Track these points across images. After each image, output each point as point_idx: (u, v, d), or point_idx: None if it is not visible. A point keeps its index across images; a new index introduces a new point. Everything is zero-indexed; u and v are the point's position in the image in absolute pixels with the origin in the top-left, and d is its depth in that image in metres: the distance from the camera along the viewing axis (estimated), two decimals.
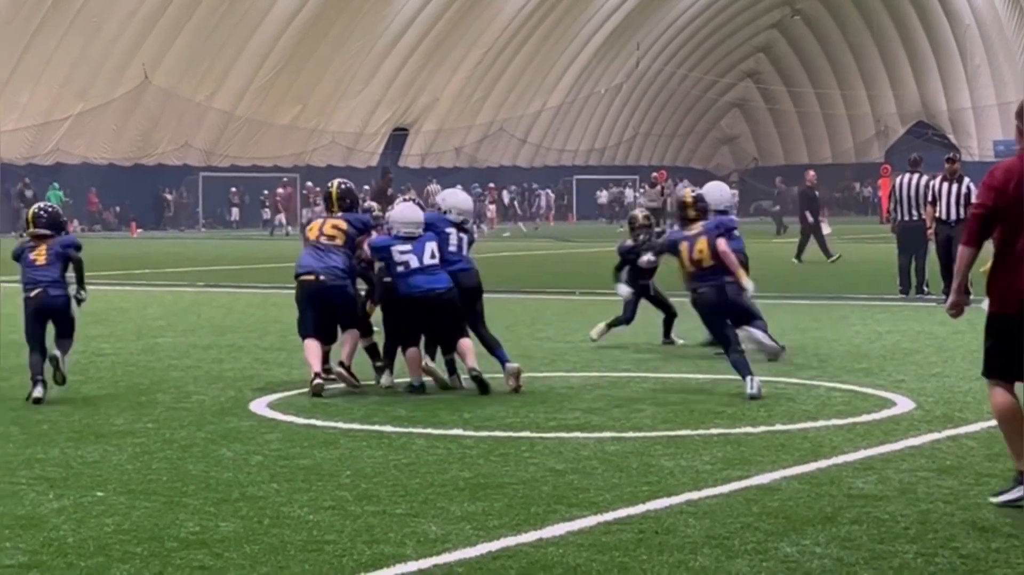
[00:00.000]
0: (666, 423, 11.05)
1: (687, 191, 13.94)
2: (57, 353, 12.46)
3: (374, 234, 13.42)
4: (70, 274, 12.74)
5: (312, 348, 12.82)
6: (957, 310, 8.25)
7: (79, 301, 12.71)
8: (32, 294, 12.59)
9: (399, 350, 13.15)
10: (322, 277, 12.98)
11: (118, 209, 63.24)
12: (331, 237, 13.14)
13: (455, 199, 13.64)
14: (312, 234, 13.27)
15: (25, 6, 54.65)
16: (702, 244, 12.84)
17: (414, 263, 12.80)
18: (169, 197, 65.21)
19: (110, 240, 51.86)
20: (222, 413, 11.67)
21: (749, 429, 10.67)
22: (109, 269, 28.89)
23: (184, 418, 11.43)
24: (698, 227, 13.06)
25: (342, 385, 12.95)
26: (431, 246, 12.91)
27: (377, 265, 13.35)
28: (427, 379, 12.97)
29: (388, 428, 10.86)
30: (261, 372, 14.35)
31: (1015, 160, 8.00)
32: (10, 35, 55.07)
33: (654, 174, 52.82)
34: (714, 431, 10.61)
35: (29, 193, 56.58)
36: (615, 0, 78.56)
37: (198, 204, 66.05)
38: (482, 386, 12.65)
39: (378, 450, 9.93)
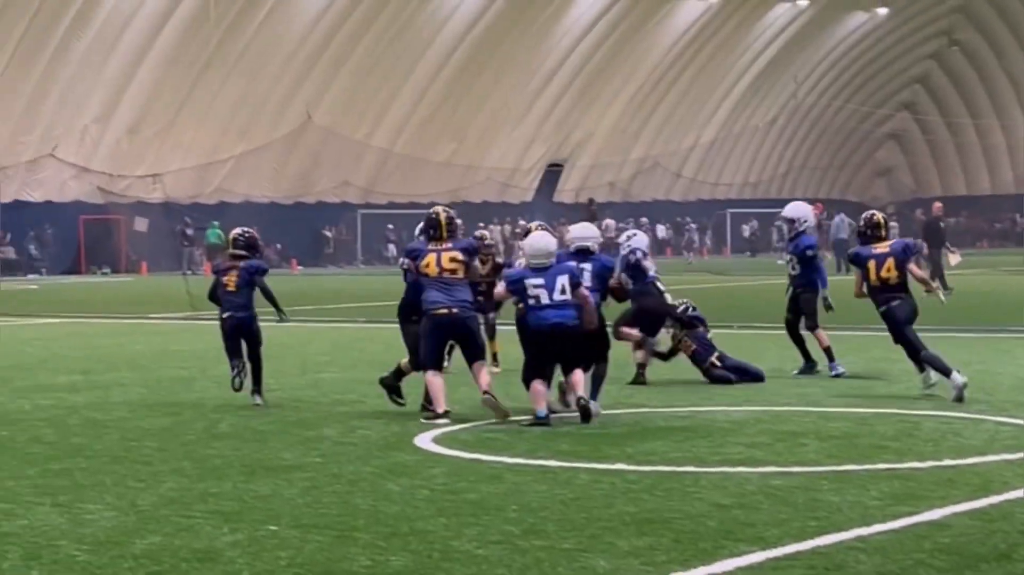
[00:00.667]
0: (831, 457, 10.97)
1: (879, 214, 15.29)
2: (256, 390, 14.74)
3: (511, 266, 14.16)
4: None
5: (439, 385, 13.34)
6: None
7: (281, 320, 15.26)
8: (224, 316, 14.83)
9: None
10: (455, 310, 13.36)
11: (279, 246, 64.24)
12: (452, 271, 13.44)
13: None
14: (431, 270, 13.46)
15: (191, 48, 55.85)
16: (891, 263, 14.52)
17: (544, 298, 13.08)
18: (329, 234, 66.07)
19: (272, 277, 52.45)
20: (388, 448, 11.81)
21: (917, 464, 10.57)
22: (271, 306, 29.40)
23: (351, 453, 11.58)
24: (885, 247, 14.70)
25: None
26: (562, 280, 13.14)
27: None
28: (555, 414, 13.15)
29: (552, 462, 10.91)
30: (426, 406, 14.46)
31: None
32: (176, 77, 56.32)
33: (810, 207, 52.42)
34: (880, 466, 10.51)
35: (191, 232, 57.77)
36: (771, 33, 78.27)
37: (357, 241, 66.85)
38: (585, 415, 12.93)
39: (543, 484, 9.99)
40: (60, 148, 55.15)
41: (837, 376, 16.38)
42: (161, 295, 27.25)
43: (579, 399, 13.05)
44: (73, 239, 56.68)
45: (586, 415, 12.95)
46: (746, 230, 79.57)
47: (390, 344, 22.34)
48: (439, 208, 13.98)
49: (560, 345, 13.10)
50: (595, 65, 71.55)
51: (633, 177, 78.93)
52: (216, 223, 58.32)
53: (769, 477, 10.15)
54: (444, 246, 13.55)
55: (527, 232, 14.21)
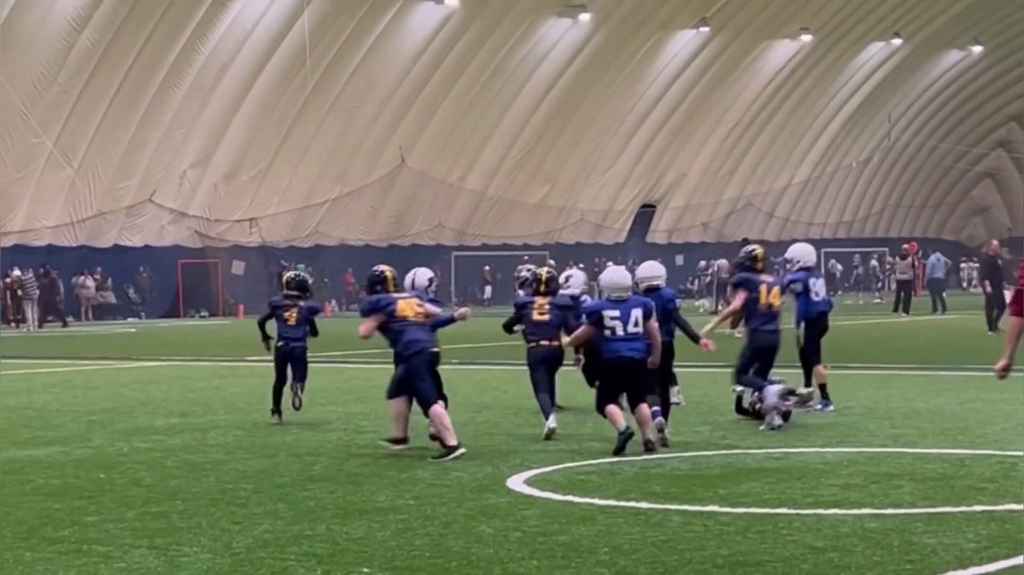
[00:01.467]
0: (926, 499, 10.89)
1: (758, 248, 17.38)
2: (298, 385, 17.57)
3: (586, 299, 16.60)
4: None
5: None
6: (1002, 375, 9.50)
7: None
8: (279, 344, 17.69)
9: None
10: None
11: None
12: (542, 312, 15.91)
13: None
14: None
15: (287, 94, 56.47)
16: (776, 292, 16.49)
17: (619, 330, 13.99)
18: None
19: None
20: (480, 489, 11.85)
21: (1013, 506, 10.46)
22: (367, 347, 29.48)
23: (444, 494, 11.64)
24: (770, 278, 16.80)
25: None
26: (636, 313, 14.06)
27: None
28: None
29: (644, 504, 10.90)
30: (517, 448, 14.51)
31: None
32: (272, 122, 56.97)
33: (904, 246, 52.09)
34: (977, 508, 10.42)
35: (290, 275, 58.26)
36: (864, 72, 77.95)
37: (451, 283, 67.11)
38: (649, 449, 13.81)
39: (635, 527, 9.99)
40: (159, 193, 55.89)
41: (821, 411, 17.18)
42: (257, 337, 27.46)
43: (645, 441, 13.87)
44: (171, 283, 57.38)
45: (654, 447, 13.88)
46: (834, 268, 79.07)
47: (484, 385, 22.47)
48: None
49: (630, 377, 14.00)
50: (688, 105, 71.60)
51: (726, 217, 78.75)
52: (301, 266, 58.87)
53: (864, 519, 10.09)
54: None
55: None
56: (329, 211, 61.70)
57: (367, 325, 14.74)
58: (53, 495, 11.98)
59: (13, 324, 49.61)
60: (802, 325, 17.89)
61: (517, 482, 12.17)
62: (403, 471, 13.02)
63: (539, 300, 16.01)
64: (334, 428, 16.73)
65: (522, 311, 16.17)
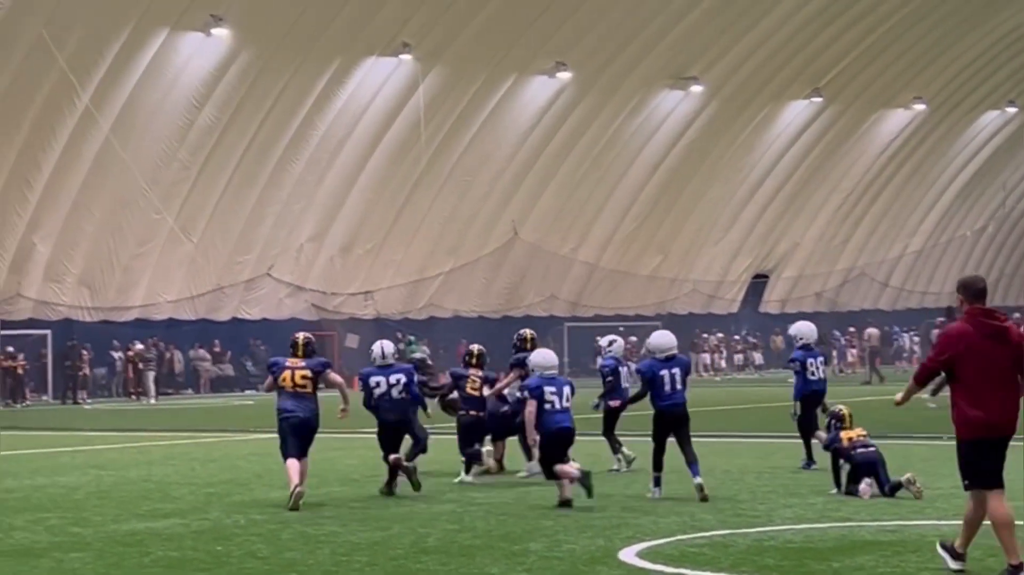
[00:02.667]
0: None
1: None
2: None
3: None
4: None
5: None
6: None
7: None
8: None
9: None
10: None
11: (488, 360, 64.78)
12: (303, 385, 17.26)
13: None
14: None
15: (401, 168, 57.10)
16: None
17: (558, 404, 16.13)
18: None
19: None
20: (592, 562, 11.90)
21: None
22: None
23: (556, 567, 11.69)
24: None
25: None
26: (567, 390, 16.36)
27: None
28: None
29: None
30: (628, 520, 14.55)
31: (961, 324, 10.79)
32: (388, 196, 57.57)
33: (1017, 314, 51.58)
34: None
35: (402, 347, 58.71)
36: (979, 141, 77.34)
37: (564, 354, 67.17)
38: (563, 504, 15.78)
39: None
40: (276, 267, 56.63)
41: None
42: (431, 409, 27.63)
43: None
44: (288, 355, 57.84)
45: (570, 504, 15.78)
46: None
47: (597, 456, 22.48)
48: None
49: (566, 445, 16.24)
50: (801, 175, 71.40)
51: (840, 287, 78.22)
52: (412, 337, 59.28)
53: None
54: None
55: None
56: (443, 283, 62.12)
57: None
58: (172, 567, 12.16)
59: (134, 397, 50.38)
60: (798, 401, 19.54)
61: (629, 555, 12.20)
62: (516, 543, 13.10)
63: (472, 373, 19.02)
64: (447, 500, 16.84)
65: (457, 382, 19.38)
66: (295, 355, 17.39)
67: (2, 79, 45.07)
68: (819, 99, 67.77)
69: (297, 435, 16.73)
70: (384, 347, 18.36)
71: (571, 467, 16.01)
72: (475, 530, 14.12)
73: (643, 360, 18.18)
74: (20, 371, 49.12)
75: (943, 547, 11.08)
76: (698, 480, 16.16)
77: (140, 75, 47.94)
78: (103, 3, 45.36)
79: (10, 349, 49.10)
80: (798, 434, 19.66)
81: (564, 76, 58.64)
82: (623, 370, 20.30)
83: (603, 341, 20.40)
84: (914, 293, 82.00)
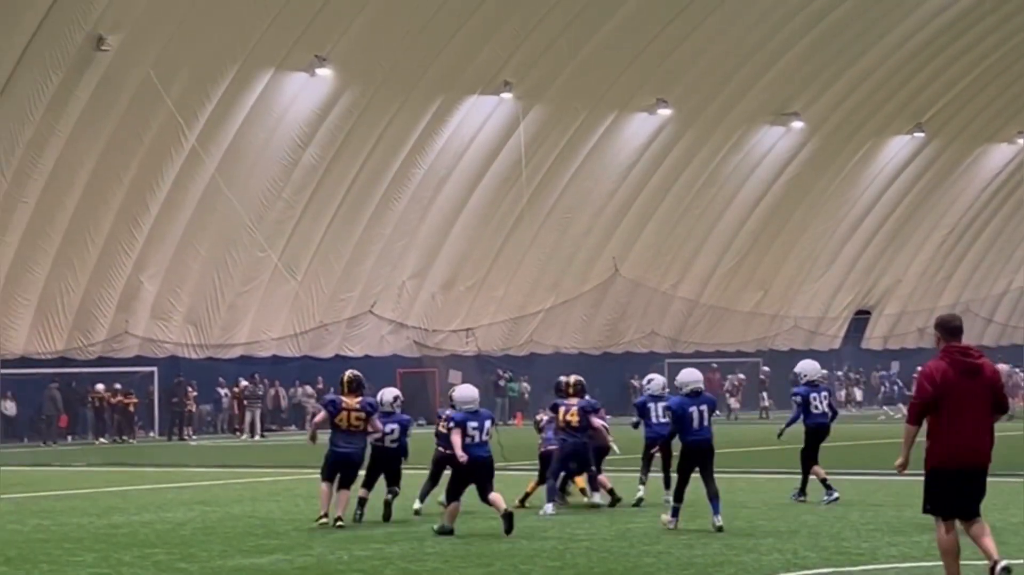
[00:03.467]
0: None
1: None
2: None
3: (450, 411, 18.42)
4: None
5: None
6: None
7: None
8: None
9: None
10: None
11: (587, 396, 64.77)
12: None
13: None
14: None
15: (502, 205, 57.37)
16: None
17: (477, 437, 17.57)
18: (636, 383, 66.44)
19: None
20: None
21: None
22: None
23: None
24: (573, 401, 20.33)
25: None
26: (487, 423, 17.81)
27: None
28: None
29: None
30: (731, 558, 14.55)
31: (938, 362, 11.24)
32: (489, 233, 57.84)
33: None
34: None
35: (502, 383, 58.92)
36: None
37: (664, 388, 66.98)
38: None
39: None
40: (378, 304, 57.05)
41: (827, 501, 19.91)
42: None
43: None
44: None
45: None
46: None
47: (697, 492, 22.44)
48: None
49: (487, 472, 17.56)
50: (903, 211, 70.91)
51: None
52: (510, 373, 59.49)
53: None
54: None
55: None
56: (543, 320, 62.25)
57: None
58: None
59: (238, 433, 50.90)
60: (789, 428, 21.37)
61: None
62: None
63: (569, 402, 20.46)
64: (549, 536, 16.91)
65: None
66: (346, 393, 19.18)
67: (111, 120, 45.86)
68: (921, 134, 67.32)
69: (345, 470, 18.61)
70: (383, 395, 20.07)
71: (497, 498, 17.54)
72: (577, 567, 14.17)
73: (672, 397, 18.99)
74: (131, 408, 49.88)
75: None
76: (718, 522, 17.03)
77: (245, 115, 48.61)
78: (209, 44, 46.06)
79: (118, 386, 49.84)
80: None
81: (664, 113, 58.71)
82: (652, 406, 21.40)
83: (645, 379, 21.65)
84: (1019, 329, 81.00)
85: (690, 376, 18.29)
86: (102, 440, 48.44)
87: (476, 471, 17.56)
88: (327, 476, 18.84)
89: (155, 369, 51.39)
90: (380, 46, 49.57)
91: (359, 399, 19.15)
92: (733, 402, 61.49)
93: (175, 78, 45.80)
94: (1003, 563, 11.32)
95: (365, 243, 54.71)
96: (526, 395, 60.13)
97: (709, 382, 65.31)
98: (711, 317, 67.84)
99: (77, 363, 50.02)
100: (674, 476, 18.34)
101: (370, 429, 19.05)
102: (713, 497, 17.34)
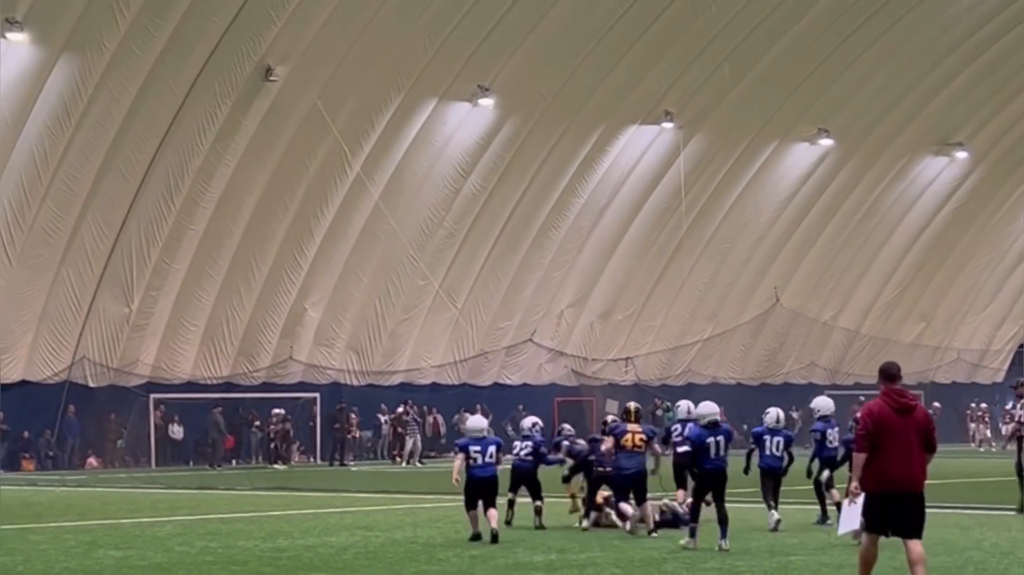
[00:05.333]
0: None
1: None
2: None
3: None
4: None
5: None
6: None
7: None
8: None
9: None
10: None
11: (745, 427, 64.41)
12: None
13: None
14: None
15: (662, 235, 57.28)
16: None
17: (480, 460, 20.42)
18: (795, 415, 65.93)
19: (738, 457, 52.86)
20: None
21: None
22: (740, 486, 29.67)
23: None
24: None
25: None
26: (491, 448, 20.63)
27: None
28: None
29: None
30: None
31: (877, 402, 13.46)
32: (647, 262, 57.82)
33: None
34: None
35: (659, 413, 58.85)
36: None
37: None
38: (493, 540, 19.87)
39: None
40: (537, 333, 57.29)
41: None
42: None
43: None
44: (547, 420, 58.32)
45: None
46: None
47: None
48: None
49: (486, 490, 20.30)
50: None
51: None
52: (669, 404, 59.29)
53: None
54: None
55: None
56: (701, 350, 62.04)
57: None
58: None
59: (398, 459, 51.31)
60: (816, 462, 22.95)
61: None
62: None
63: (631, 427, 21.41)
64: (709, 568, 16.85)
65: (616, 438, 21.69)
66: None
67: (278, 148, 46.72)
68: None
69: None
70: (523, 422, 23.16)
71: (493, 513, 20.24)
72: None
73: (692, 429, 20.52)
74: (290, 433, 50.61)
75: None
76: (725, 546, 18.49)
77: (409, 144, 49.23)
78: (374, 75, 46.74)
79: (279, 411, 50.56)
80: None
81: (826, 143, 58.32)
82: (767, 438, 22.59)
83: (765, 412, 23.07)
84: None
85: (707, 409, 19.90)
86: (278, 466, 48.99)
87: (481, 487, 20.33)
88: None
89: (318, 395, 52.10)
90: (542, 76, 49.90)
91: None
92: None
93: (341, 108, 46.53)
94: None
95: (524, 271, 55.02)
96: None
97: None
98: (871, 348, 67.02)
99: (242, 388, 50.88)
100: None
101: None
102: (722, 521, 18.75)
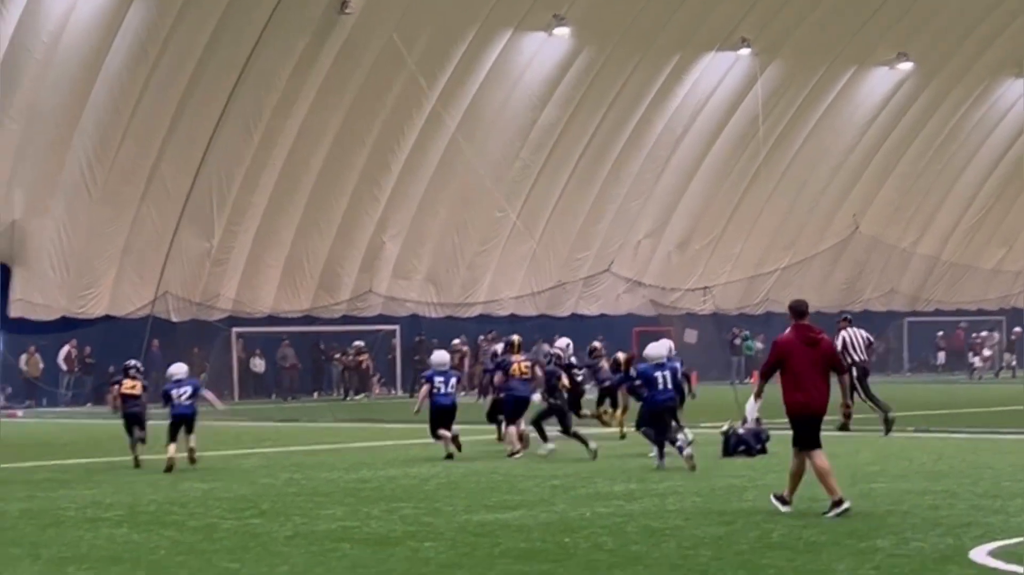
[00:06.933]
0: None
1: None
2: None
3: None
4: None
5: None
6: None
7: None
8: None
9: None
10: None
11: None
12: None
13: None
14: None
15: (739, 163, 57.04)
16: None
17: (443, 389, 23.35)
18: (875, 343, 65.50)
19: None
20: (943, 561, 11.80)
21: None
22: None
23: (904, 566, 11.62)
24: None
25: None
26: (453, 380, 23.62)
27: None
28: None
29: None
30: (978, 519, 14.35)
31: (788, 335, 15.20)
32: (725, 191, 57.60)
33: None
34: None
35: (738, 342, 58.66)
36: None
37: (903, 349, 66.02)
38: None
39: None
40: (615, 263, 57.21)
41: None
42: (712, 405, 27.72)
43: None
44: (626, 350, 58.23)
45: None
46: None
47: (940, 453, 22.18)
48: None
49: (448, 416, 23.46)
50: None
51: None
52: (747, 333, 59.07)
53: None
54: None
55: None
56: (780, 278, 61.73)
57: None
58: (521, 558, 12.49)
59: (475, 391, 51.41)
60: None
61: (980, 554, 12.06)
62: (862, 540, 13.06)
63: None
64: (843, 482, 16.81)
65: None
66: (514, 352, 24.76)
67: (354, 83, 46.77)
68: None
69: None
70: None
71: (447, 433, 23.13)
72: (820, 526, 14.13)
73: (641, 365, 22.13)
74: (365, 367, 50.87)
75: (775, 497, 15.37)
76: (687, 447, 20.52)
77: (485, 75, 49.12)
78: (450, 6, 46.65)
79: (359, 343, 50.80)
80: None
81: (905, 67, 57.69)
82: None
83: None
84: None
85: (655, 351, 21.65)
86: (358, 398, 49.29)
87: (443, 414, 23.24)
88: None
89: (397, 327, 52.35)
90: (617, 4, 49.65)
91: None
92: (977, 361, 60.15)
93: (416, 40, 46.48)
94: (846, 504, 14.74)
95: (601, 202, 54.90)
96: (761, 354, 59.73)
97: (955, 340, 64.54)
98: (952, 274, 66.50)
99: (322, 321, 51.21)
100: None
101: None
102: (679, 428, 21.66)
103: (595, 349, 28.78)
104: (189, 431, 22.15)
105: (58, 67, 42.49)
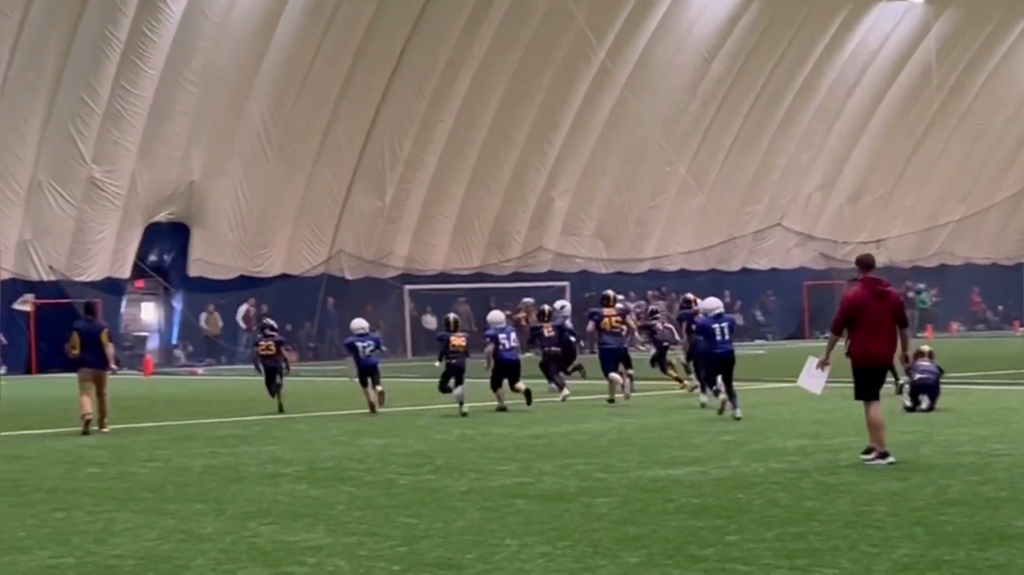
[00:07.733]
0: None
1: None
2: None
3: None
4: None
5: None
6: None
7: None
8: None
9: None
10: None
11: (1000, 307, 63.07)
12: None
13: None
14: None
15: (912, 113, 56.23)
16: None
17: (507, 344, 25.08)
18: None
19: (993, 340, 51.88)
20: None
21: None
22: (976, 369, 29.08)
23: None
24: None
25: None
26: (513, 335, 25.49)
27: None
28: None
29: None
30: None
31: (857, 288, 15.55)
32: (897, 143, 56.84)
33: None
34: None
35: (911, 295, 57.86)
36: None
37: None
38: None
39: None
40: (785, 217, 56.77)
41: None
42: None
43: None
44: (797, 305, 58.03)
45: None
46: None
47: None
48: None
49: (512, 371, 25.06)
50: None
51: None
52: (923, 286, 58.21)
53: None
54: None
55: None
56: (954, 230, 60.80)
57: None
58: (695, 514, 12.53)
59: (642, 346, 51.39)
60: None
61: None
62: None
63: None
64: (966, 451, 16.70)
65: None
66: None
67: (523, 39, 46.91)
68: None
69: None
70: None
71: (505, 390, 24.66)
72: (998, 482, 13.94)
73: (701, 318, 22.92)
74: (525, 323, 51.01)
75: (871, 457, 15.48)
76: (738, 414, 21.33)
77: (653, 30, 48.96)
78: None
79: (529, 300, 50.99)
80: None
81: None
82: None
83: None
84: None
85: (712, 303, 22.42)
86: (528, 354, 49.54)
87: (508, 369, 24.78)
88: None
89: (567, 283, 52.48)
90: None
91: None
92: None
93: None
94: (891, 458, 15.20)
95: (771, 155, 54.48)
96: (935, 307, 58.98)
97: None
98: None
99: (492, 278, 51.55)
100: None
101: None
102: (732, 396, 21.69)
103: (689, 301, 28.14)
104: (376, 380, 24.96)
105: (234, 29, 43.21)
